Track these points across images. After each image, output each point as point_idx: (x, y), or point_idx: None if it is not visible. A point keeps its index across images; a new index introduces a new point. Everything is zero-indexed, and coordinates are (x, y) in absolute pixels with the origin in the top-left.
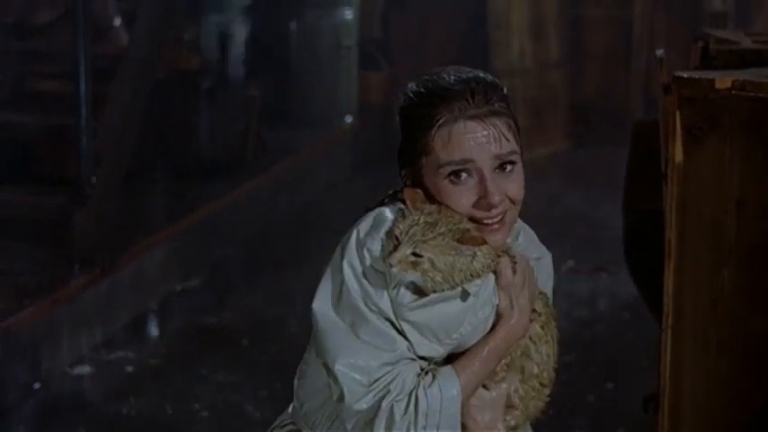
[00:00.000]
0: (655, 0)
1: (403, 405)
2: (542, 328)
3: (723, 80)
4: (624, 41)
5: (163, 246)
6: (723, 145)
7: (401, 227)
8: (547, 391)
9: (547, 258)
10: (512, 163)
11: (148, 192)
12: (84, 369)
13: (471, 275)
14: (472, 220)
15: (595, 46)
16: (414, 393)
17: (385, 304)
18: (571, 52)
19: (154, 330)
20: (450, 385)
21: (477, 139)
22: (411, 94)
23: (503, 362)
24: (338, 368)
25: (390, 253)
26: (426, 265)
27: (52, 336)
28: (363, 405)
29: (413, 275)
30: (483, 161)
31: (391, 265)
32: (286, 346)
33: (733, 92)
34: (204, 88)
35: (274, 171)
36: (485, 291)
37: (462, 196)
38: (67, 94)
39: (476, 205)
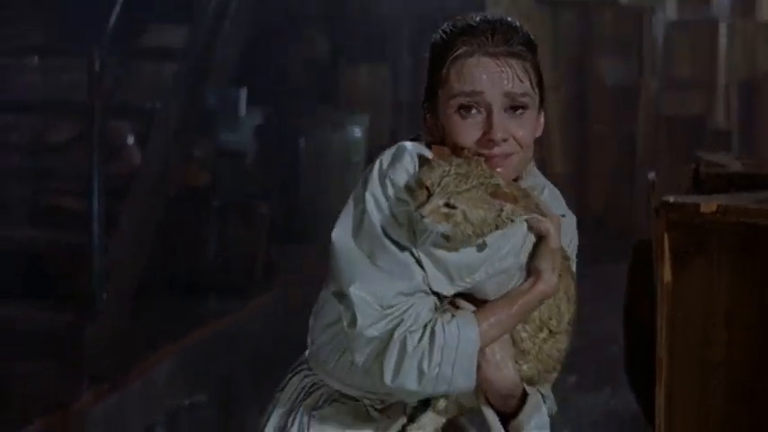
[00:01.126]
0: (658, 116)
1: (417, 336)
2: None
3: (708, 205)
4: (629, 157)
5: (171, 360)
6: (710, 267)
7: (432, 177)
8: (560, 345)
9: (571, 219)
10: (524, 107)
11: (158, 307)
12: None
13: (498, 228)
14: (479, 154)
15: (600, 162)
16: (429, 326)
17: (406, 234)
18: (576, 167)
19: None
20: (470, 327)
21: (489, 74)
22: (440, 32)
23: None
24: (352, 291)
25: (422, 203)
26: (459, 218)
27: None
28: (375, 332)
29: (444, 227)
30: (493, 96)
31: (422, 216)
32: None
33: (718, 216)
34: (214, 205)
35: (284, 288)
36: (506, 244)
37: (469, 130)
38: (81, 210)
39: (479, 141)
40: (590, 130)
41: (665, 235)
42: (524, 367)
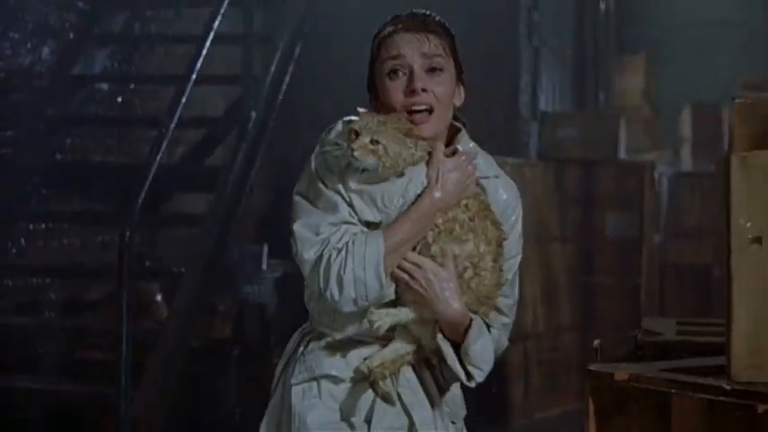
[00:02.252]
0: (666, 265)
1: (336, 252)
2: (471, 220)
3: (621, 374)
4: (633, 307)
5: None
6: (630, 426)
7: (360, 123)
8: (486, 282)
9: (504, 179)
10: (440, 69)
11: None
12: None
13: (412, 163)
14: (407, 111)
15: (606, 311)
16: (347, 243)
17: (337, 180)
18: (583, 317)
19: None
20: (375, 236)
21: (409, 41)
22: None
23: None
24: (295, 227)
25: (352, 142)
26: (381, 152)
27: None
28: (312, 254)
29: (371, 160)
30: (413, 57)
31: (353, 150)
32: None
33: (630, 383)
34: (234, 355)
35: None
36: (417, 175)
37: (397, 89)
38: (110, 363)
39: (405, 94)
40: (595, 282)
41: (590, 398)
42: (462, 300)
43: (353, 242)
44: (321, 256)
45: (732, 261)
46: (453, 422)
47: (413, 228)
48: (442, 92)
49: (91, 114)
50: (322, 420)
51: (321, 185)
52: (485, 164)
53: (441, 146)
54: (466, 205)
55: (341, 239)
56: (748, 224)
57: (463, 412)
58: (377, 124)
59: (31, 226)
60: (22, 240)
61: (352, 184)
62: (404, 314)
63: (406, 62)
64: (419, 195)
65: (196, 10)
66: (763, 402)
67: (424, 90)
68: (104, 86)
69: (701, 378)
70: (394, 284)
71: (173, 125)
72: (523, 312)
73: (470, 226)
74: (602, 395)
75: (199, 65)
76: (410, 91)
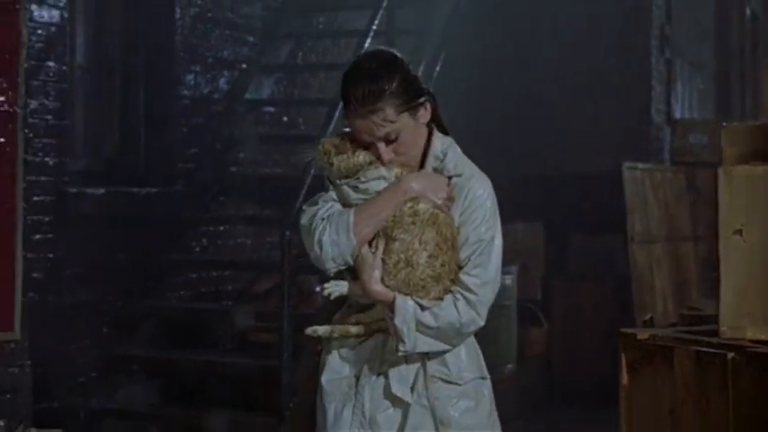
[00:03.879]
0: None
1: (320, 220)
2: (413, 224)
3: (642, 334)
4: None
5: None
6: (656, 375)
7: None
8: (416, 273)
9: (478, 177)
10: (395, 137)
11: None
12: None
13: (358, 166)
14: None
15: None
16: (329, 215)
17: (330, 194)
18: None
19: None
20: (348, 210)
21: (364, 130)
22: (342, 82)
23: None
24: (302, 213)
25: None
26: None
27: None
28: (305, 222)
29: (326, 161)
30: (372, 137)
31: (332, 164)
32: None
33: (650, 341)
34: None
35: None
36: (371, 176)
37: (373, 150)
38: (275, 342)
39: (379, 158)
40: None
41: (622, 353)
42: (390, 283)
43: (332, 214)
44: (311, 223)
45: (720, 248)
46: (448, 381)
47: (381, 202)
48: (406, 146)
49: (260, 133)
50: (330, 377)
51: (324, 193)
52: (458, 163)
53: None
54: (415, 212)
55: (327, 212)
56: (732, 220)
57: (468, 374)
58: (331, 140)
59: (211, 228)
60: (204, 240)
61: (340, 186)
62: (347, 288)
63: (368, 140)
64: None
65: (350, 39)
66: (731, 352)
67: (395, 156)
68: (271, 109)
69: (695, 336)
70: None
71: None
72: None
73: (410, 228)
74: (631, 351)
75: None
76: (380, 159)
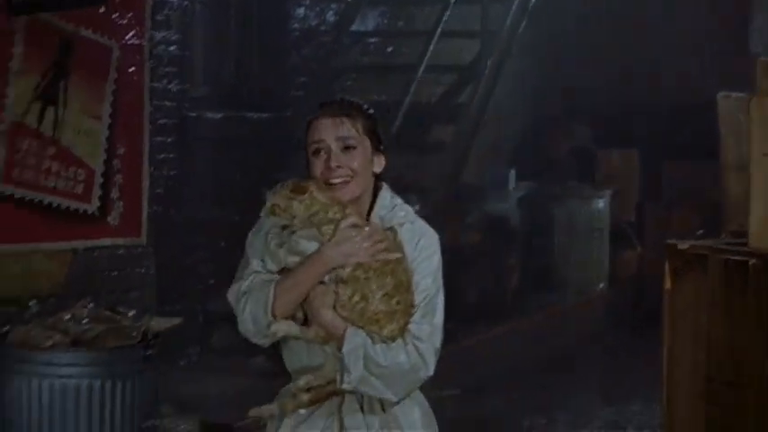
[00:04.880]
0: None
1: (241, 295)
2: (369, 269)
3: (682, 244)
4: None
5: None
6: (698, 279)
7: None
8: (371, 308)
9: (422, 231)
10: (353, 147)
11: None
12: None
13: (297, 213)
14: (326, 184)
15: None
16: (247, 290)
17: (253, 264)
18: None
19: None
20: (268, 283)
21: (326, 126)
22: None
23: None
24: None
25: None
26: (277, 209)
27: None
28: (232, 299)
29: (272, 218)
30: (330, 140)
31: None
32: None
33: (690, 250)
34: (475, 258)
35: (528, 321)
36: (306, 236)
37: (318, 165)
38: None
39: (324, 172)
40: None
41: (667, 261)
42: (343, 314)
43: (253, 288)
44: (237, 300)
45: (751, 168)
46: None
47: (300, 275)
48: (356, 165)
49: (366, 63)
50: None
51: (248, 250)
52: (408, 213)
53: (350, 219)
54: (367, 268)
55: (247, 286)
56: (762, 144)
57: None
58: (275, 190)
59: None
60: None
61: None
62: (294, 328)
63: (325, 144)
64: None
65: None
66: (754, 258)
67: (339, 167)
68: (376, 40)
69: (727, 247)
70: (292, 317)
71: (420, 71)
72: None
73: (366, 273)
74: (674, 260)
75: (443, 21)
76: (327, 168)
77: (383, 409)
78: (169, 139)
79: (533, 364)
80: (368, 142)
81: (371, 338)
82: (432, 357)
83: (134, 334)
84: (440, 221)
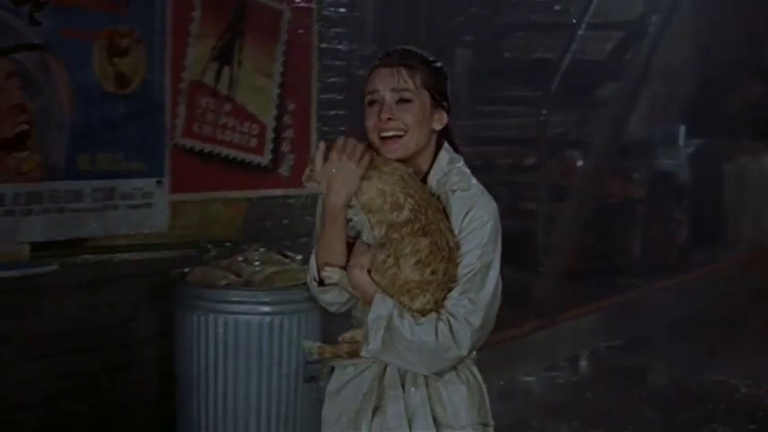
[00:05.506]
0: None
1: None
2: (402, 225)
3: None
4: None
5: (596, 314)
6: None
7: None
8: (402, 275)
9: (475, 200)
10: (408, 100)
11: (588, 279)
12: (531, 379)
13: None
14: (379, 137)
15: None
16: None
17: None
18: None
19: (583, 366)
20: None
21: (382, 76)
22: None
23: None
24: None
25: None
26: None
27: (515, 355)
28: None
29: (312, 185)
30: (384, 90)
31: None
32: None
33: None
34: (642, 211)
35: (694, 274)
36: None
37: (372, 116)
38: (534, 211)
39: (377, 122)
40: None
41: None
42: (376, 278)
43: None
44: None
45: None
46: (444, 423)
47: (321, 235)
48: (409, 119)
49: (532, 21)
50: (328, 412)
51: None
52: (463, 179)
53: (318, 154)
54: (404, 222)
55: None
56: None
57: (467, 419)
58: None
59: (486, 108)
60: (479, 119)
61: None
62: (342, 279)
63: (379, 95)
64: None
65: None
66: None
67: (390, 119)
68: None
69: None
70: (336, 272)
71: (581, 29)
72: None
73: (399, 232)
74: None
75: None
76: (379, 119)
77: (426, 384)
78: (338, 97)
79: (700, 318)
80: (426, 96)
81: (400, 311)
82: (466, 338)
83: (300, 276)
84: (604, 176)
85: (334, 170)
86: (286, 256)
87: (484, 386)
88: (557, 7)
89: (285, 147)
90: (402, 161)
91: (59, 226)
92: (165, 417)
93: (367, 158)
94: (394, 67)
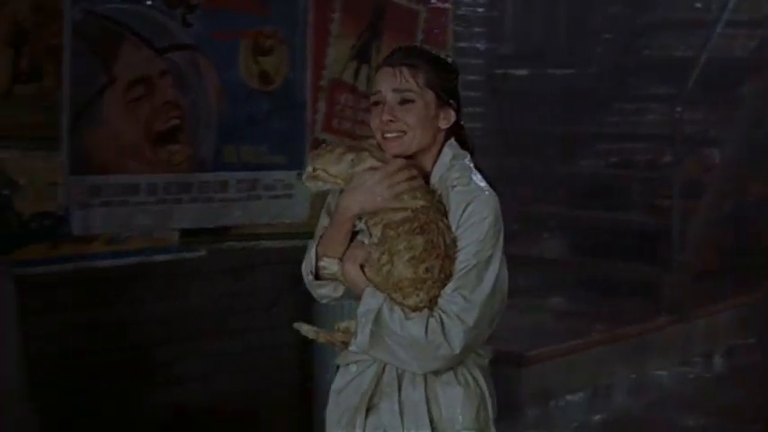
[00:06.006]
0: None
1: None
2: (399, 224)
3: None
4: None
5: (731, 311)
6: None
7: (311, 156)
8: (396, 273)
9: (474, 195)
10: (410, 101)
11: (724, 276)
12: (663, 373)
13: (351, 177)
14: (382, 136)
15: None
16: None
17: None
18: None
19: (717, 362)
20: (322, 230)
21: (385, 77)
22: None
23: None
24: None
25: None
26: (323, 174)
27: (647, 349)
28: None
29: (316, 184)
30: (386, 91)
31: (303, 182)
32: None
33: None
34: None
35: None
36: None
37: (375, 117)
38: (668, 207)
39: (381, 124)
40: None
41: None
42: (370, 275)
43: (309, 245)
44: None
45: None
46: (437, 426)
47: (329, 230)
48: (410, 119)
49: (672, 19)
50: (331, 410)
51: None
52: (464, 174)
53: (367, 162)
54: (401, 221)
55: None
56: None
57: (461, 424)
58: (320, 151)
59: (626, 105)
60: (616, 115)
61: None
62: (338, 266)
63: (382, 96)
64: None
65: None
66: None
67: (391, 121)
68: None
69: None
70: (334, 263)
71: (719, 27)
72: None
73: (396, 230)
74: None
75: None
76: (380, 121)
77: (425, 385)
78: (475, 95)
79: None
80: (431, 95)
81: (391, 306)
82: (458, 336)
83: None
84: (742, 175)
85: (369, 182)
86: None
87: (487, 391)
88: (697, 5)
89: None
90: (406, 158)
91: (207, 214)
92: (304, 397)
93: (404, 196)
94: (396, 66)
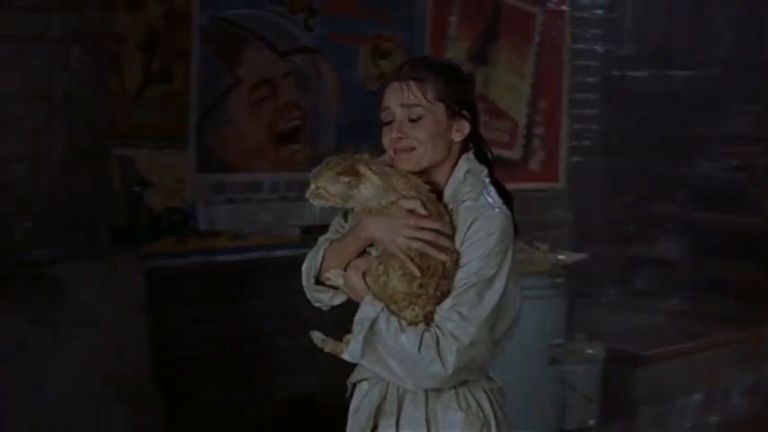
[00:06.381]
0: None
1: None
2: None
3: None
4: None
5: None
6: None
7: (314, 172)
8: (392, 285)
9: (482, 211)
10: (419, 117)
11: None
12: None
13: (349, 197)
14: (393, 153)
15: None
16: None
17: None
18: None
19: None
20: (324, 244)
21: (393, 92)
22: None
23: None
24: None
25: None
26: (324, 193)
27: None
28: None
29: (319, 202)
30: (395, 107)
31: (307, 199)
32: None
33: None
34: None
35: None
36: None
37: (386, 134)
38: None
39: (391, 141)
40: None
41: None
42: (370, 284)
43: (315, 247)
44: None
45: None
46: None
47: (344, 239)
48: (420, 134)
49: None
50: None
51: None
52: (475, 188)
53: (410, 203)
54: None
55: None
56: None
57: None
58: (322, 168)
59: (748, 107)
60: (741, 118)
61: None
62: (340, 280)
63: (391, 112)
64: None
65: None
66: None
67: (400, 138)
68: None
69: None
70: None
71: None
72: None
73: (378, 258)
74: None
75: None
76: (392, 138)
77: (426, 405)
78: (593, 97)
79: None
80: (441, 108)
81: (387, 316)
82: (452, 355)
83: (544, 264)
84: None
85: (396, 223)
86: (532, 246)
87: (494, 418)
88: None
89: (536, 143)
90: (418, 173)
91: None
92: None
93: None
94: (403, 81)
